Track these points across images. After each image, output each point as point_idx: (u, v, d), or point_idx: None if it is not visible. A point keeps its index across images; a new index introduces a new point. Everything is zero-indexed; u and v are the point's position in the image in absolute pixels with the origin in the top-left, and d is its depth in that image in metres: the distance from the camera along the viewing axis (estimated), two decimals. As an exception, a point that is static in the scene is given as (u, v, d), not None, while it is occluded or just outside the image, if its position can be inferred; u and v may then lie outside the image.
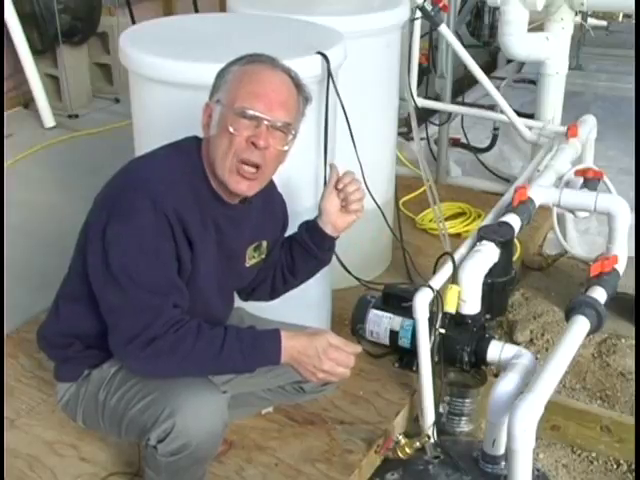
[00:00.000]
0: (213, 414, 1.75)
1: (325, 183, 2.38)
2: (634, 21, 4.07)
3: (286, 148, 1.80)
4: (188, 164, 1.81)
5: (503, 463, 2.10)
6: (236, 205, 1.87)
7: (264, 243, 2.01)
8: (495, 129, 3.95)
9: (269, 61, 1.80)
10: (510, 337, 2.95)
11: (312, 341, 1.77)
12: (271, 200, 2.02)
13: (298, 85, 1.81)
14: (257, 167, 1.77)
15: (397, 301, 2.40)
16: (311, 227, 2.04)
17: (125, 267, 1.69)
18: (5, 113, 4.69)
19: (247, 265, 1.98)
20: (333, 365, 1.77)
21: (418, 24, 3.64)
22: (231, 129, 1.73)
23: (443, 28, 3.33)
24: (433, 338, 2.13)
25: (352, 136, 2.47)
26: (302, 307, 2.34)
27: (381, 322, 2.44)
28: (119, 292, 1.69)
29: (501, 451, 2.10)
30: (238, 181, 1.77)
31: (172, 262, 1.73)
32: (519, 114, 3.60)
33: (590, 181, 2.69)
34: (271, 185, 1.98)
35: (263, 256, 2.02)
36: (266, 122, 1.73)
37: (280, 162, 1.83)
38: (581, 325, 2.12)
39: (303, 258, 2.07)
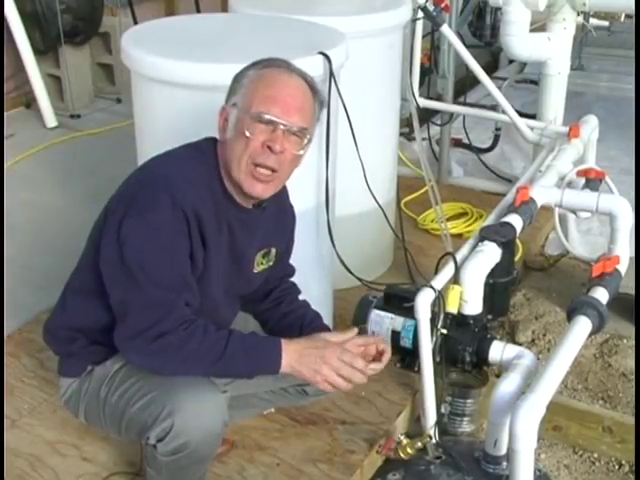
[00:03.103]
0: (213, 414, 1.75)
1: (327, 184, 2.39)
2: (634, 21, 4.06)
3: (301, 152, 1.81)
4: (205, 165, 1.81)
5: (505, 463, 2.10)
6: (249, 209, 1.87)
7: (273, 250, 2.01)
8: (497, 129, 3.96)
9: (285, 65, 1.80)
10: (512, 337, 2.95)
11: (313, 342, 1.79)
12: (284, 209, 2.03)
13: (314, 90, 1.82)
14: (273, 171, 1.77)
15: (399, 301, 2.40)
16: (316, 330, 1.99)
17: (140, 262, 1.69)
18: (7, 113, 4.70)
19: (255, 271, 1.98)
20: (332, 373, 1.76)
21: (420, 24, 3.64)
22: (247, 133, 1.73)
23: (445, 28, 3.33)
24: (435, 338, 2.13)
25: (354, 136, 2.48)
26: (304, 307, 2.34)
27: (383, 322, 2.43)
28: (132, 286, 1.70)
29: (503, 451, 2.10)
30: (253, 184, 1.78)
31: (186, 260, 1.74)
32: (521, 114, 3.59)
33: (592, 181, 2.69)
34: (285, 195, 1.99)
35: (271, 263, 2.02)
36: (282, 127, 1.74)
37: (295, 166, 1.84)
38: (583, 325, 2.12)
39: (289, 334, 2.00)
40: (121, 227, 1.70)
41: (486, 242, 2.28)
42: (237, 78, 1.81)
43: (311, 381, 1.80)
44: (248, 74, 1.79)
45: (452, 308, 2.14)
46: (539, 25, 3.71)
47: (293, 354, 1.75)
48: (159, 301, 1.69)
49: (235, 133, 1.77)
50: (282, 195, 1.94)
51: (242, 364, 1.74)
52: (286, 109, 1.74)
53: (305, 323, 2.04)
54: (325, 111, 2.26)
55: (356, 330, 1.93)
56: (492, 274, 2.25)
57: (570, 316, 2.17)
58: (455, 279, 2.20)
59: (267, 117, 1.73)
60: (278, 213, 1.99)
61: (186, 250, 1.74)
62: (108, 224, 1.76)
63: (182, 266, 1.74)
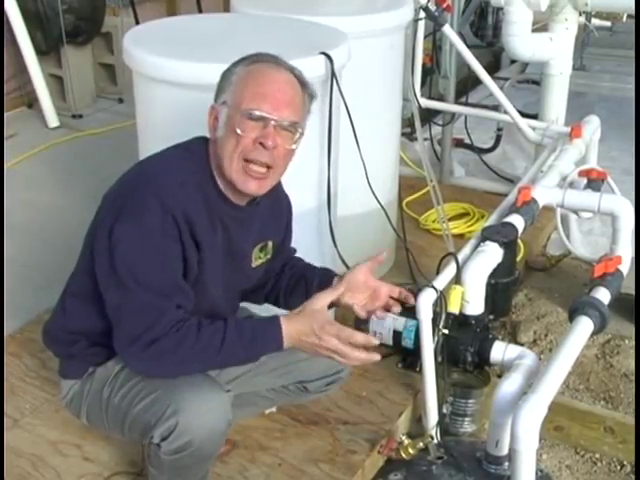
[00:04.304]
0: (216, 412, 1.75)
1: (329, 184, 2.39)
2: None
3: (294, 147, 1.81)
4: (197, 165, 1.81)
5: (506, 464, 2.10)
6: (243, 206, 1.87)
7: (269, 243, 2.01)
8: (499, 129, 3.95)
9: (272, 60, 1.80)
10: (513, 338, 2.95)
11: (309, 320, 1.74)
12: (278, 201, 2.02)
13: (303, 83, 1.82)
14: (267, 167, 1.77)
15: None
16: (324, 282, 1.99)
17: (130, 267, 1.69)
18: (9, 113, 4.71)
19: (253, 266, 1.98)
20: (336, 343, 1.72)
21: (422, 24, 3.63)
22: (238, 131, 1.73)
23: (447, 29, 3.33)
24: (436, 339, 2.13)
25: (356, 136, 2.48)
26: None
27: (384, 322, 2.42)
28: (123, 291, 1.70)
29: (504, 452, 2.09)
30: (246, 181, 1.77)
31: (177, 263, 1.74)
32: (523, 115, 3.59)
33: (594, 182, 2.69)
34: (278, 185, 1.97)
35: (269, 256, 2.02)
36: (273, 122, 1.74)
37: (289, 161, 1.83)
38: (584, 326, 2.12)
39: (301, 299, 1.98)
40: (112, 233, 1.70)
41: (488, 242, 2.28)
42: (225, 75, 1.81)
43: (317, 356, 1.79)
44: (236, 71, 1.79)
45: (454, 308, 2.14)
46: (541, 25, 3.71)
47: (292, 333, 1.73)
48: (150, 306, 1.69)
49: (226, 131, 1.76)
50: (275, 186, 1.92)
51: (243, 352, 1.73)
52: (276, 104, 1.74)
53: (308, 273, 2.05)
54: (326, 111, 2.27)
55: (341, 289, 1.88)
56: (494, 274, 2.25)
57: (572, 316, 2.17)
58: (457, 279, 2.20)
59: (258, 114, 1.73)
60: (272, 205, 1.98)
61: (177, 253, 1.73)
62: (100, 229, 1.76)
63: (172, 269, 1.73)
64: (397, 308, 1.97)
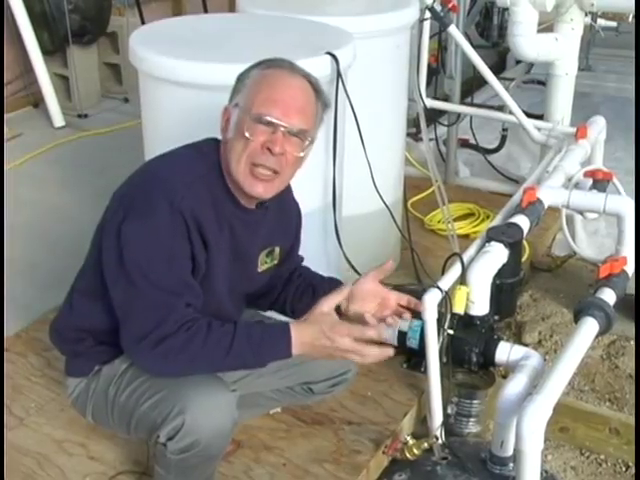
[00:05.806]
0: (223, 412, 1.75)
1: (334, 184, 2.39)
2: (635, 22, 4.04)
3: (302, 154, 1.80)
4: (207, 165, 1.81)
5: (511, 464, 2.10)
6: (252, 209, 1.87)
7: (277, 249, 2.00)
8: (504, 130, 3.95)
9: (288, 66, 1.79)
10: (519, 338, 2.95)
11: (317, 323, 1.73)
12: (287, 207, 2.02)
13: (317, 91, 1.81)
14: (274, 172, 1.77)
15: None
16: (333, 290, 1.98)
17: (138, 265, 1.69)
18: (15, 113, 4.72)
19: (259, 270, 1.98)
20: (349, 342, 1.70)
21: (427, 25, 3.63)
22: (247, 134, 1.73)
23: (452, 29, 3.33)
24: (441, 339, 2.13)
25: (361, 136, 2.48)
26: (310, 307, 2.34)
27: (389, 323, 2.43)
28: (131, 289, 1.70)
29: (509, 452, 2.10)
30: (253, 184, 1.77)
31: (186, 262, 1.74)
32: (528, 115, 3.59)
33: (599, 182, 2.69)
34: (288, 191, 1.97)
35: (275, 262, 2.02)
36: (282, 128, 1.73)
37: (297, 168, 1.83)
38: (590, 327, 2.12)
39: (308, 307, 1.94)
40: (120, 231, 1.71)
41: (493, 243, 2.28)
42: (240, 78, 1.81)
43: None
44: (251, 74, 1.79)
45: (459, 309, 2.14)
46: (547, 25, 3.71)
47: (302, 341, 1.71)
48: (158, 304, 1.69)
49: (235, 133, 1.76)
50: (284, 193, 1.92)
51: (251, 356, 1.72)
52: (287, 111, 1.74)
53: (317, 282, 2.05)
54: (332, 112, 2.27)
55: (345, 291, 1.87)
56: (499, 275, 2.25)
57: (577, 317, 2.17)
58: (462, 280, 2.20)
59: (267, 119, 1.72)
60: (281, 211, 1.98)
61: (185, 252, 1.73)
62: (108, 227, 1.76)
63: (181, 267, 1.73)
64: (407, 315, 1.97)
